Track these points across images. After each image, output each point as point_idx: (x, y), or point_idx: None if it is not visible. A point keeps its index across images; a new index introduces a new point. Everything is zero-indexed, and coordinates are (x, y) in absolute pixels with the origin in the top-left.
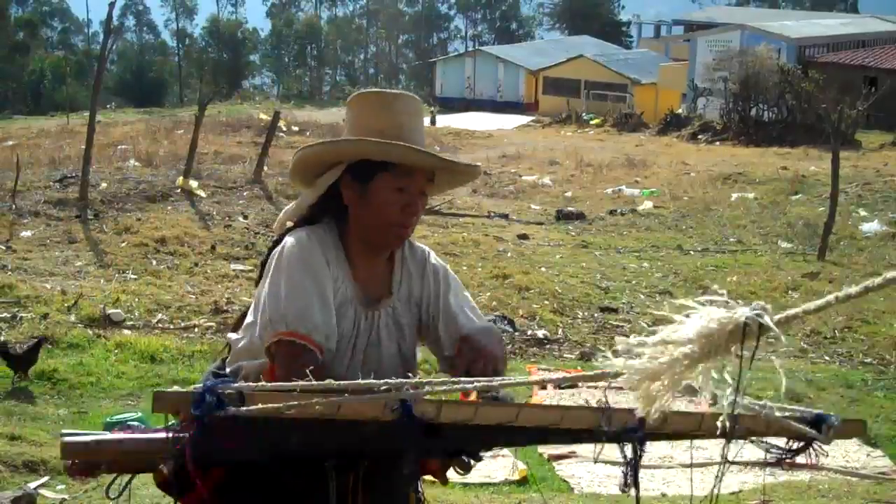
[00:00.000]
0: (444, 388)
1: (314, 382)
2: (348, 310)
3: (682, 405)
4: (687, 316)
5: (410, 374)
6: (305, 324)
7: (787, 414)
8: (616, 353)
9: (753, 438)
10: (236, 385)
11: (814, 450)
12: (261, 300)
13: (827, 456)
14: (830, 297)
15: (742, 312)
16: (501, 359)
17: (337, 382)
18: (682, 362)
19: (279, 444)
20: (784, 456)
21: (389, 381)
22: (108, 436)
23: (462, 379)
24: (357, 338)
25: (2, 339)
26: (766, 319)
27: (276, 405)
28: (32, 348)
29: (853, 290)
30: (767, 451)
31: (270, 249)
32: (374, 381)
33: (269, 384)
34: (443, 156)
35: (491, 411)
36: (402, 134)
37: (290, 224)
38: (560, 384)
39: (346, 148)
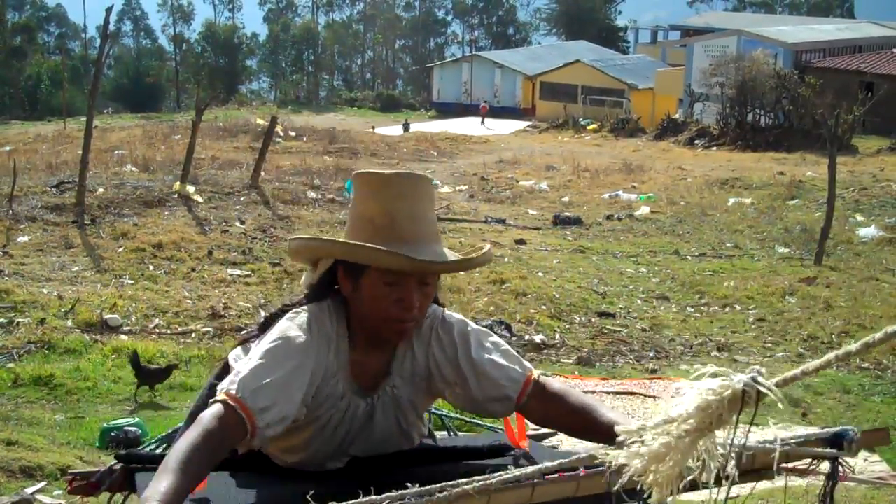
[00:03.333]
0: (444, 494)
1: None
2: (337, 402)
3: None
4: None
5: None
6: (258, 400)
7: (802, 439)
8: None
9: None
10: None
11: (841, 466)
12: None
13: (854, 472)
14: (830, 356)
15: (739, 380)
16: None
17: None
18: (685, 438)
19: None
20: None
21: (391, 494)
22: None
23: (461, 481)
24: (353, 424)
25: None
26: (763, 383)
27: None
28: (165, 370)
29: (853, 347)
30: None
31: (280, 311)
32: (375, 496)
33: None
34: (423, 258)
35: (504, 497)
36: (395, 224)
37: (306, 291)
38: (565, 471)
39: (321, 247)
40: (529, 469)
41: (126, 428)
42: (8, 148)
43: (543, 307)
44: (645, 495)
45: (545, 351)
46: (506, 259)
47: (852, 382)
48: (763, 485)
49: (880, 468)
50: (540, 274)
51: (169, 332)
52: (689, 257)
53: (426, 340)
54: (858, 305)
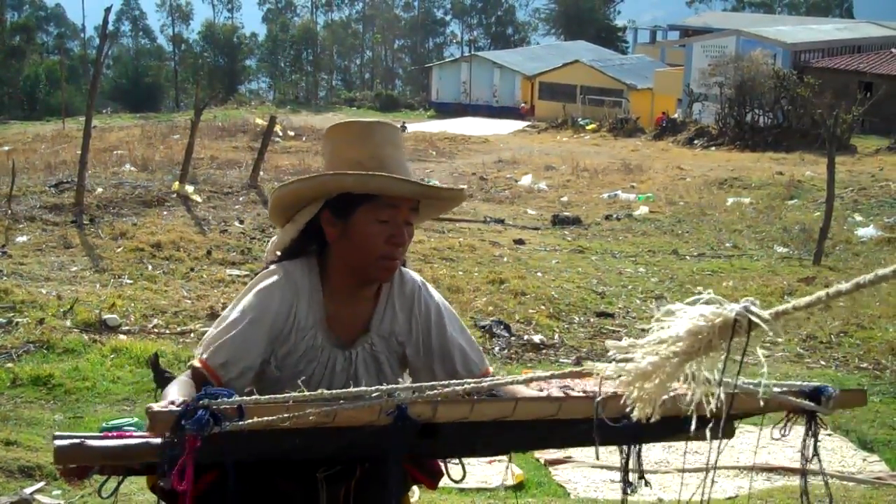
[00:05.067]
0: (436, 391)
1: (307, 393)
2: (317, 355)
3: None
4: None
5: None
6: (217, 358)
7: (784, 389)
8: (609, 358)
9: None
10: (234, 399)
11: (815, 422)
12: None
13: (826, 428)
14: (821, 293)
15: (731, 308)
16: None
17: (330, 392)
18: (672, 360)
19: (273, 447)
20: (785, 430)
21: (381, 387)
22: (101, 443)
23: (452, 381)
24: (332, 380)
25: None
26: (757, 312)
27: (270, 418)
28: None
29: (843, 286)
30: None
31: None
32: (366, 388)
33: (263, 397)
34: (424, 182)
35: (487, 407)
36: (383, 164)
37: (277, 253)
38: (549, 380)
39: (324, 182)
40: (522, 377)
41: (125, 427)
42: (7, 148)
43: (542, 307)
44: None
45: (544, 351)
46: (504, 259)
47: (851, 382)
48: (762, 485)
49: (879, 468)
50: (539, 274)
51: (168, 331)
52: (687, 257)
53: (409, 304)
54: (857, 305)
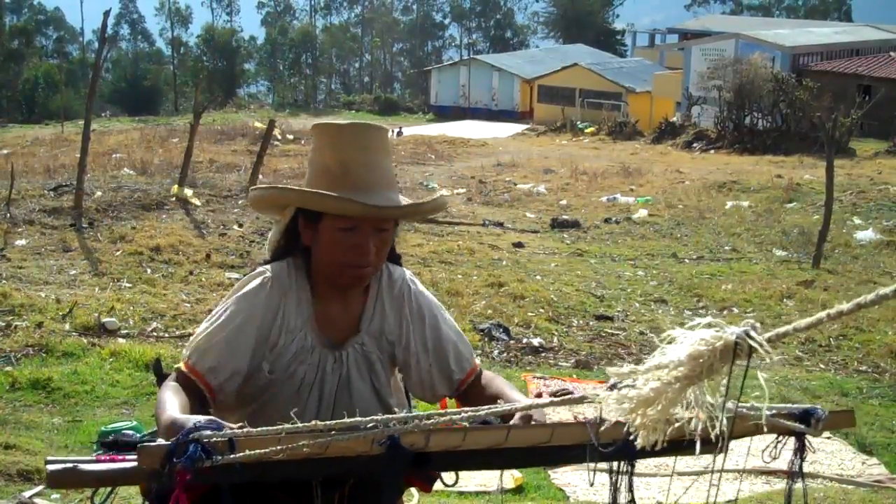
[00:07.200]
0: (431, 421)
1: (300, 425)
2: (308, 356)
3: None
4: (672, 340)
5: (394, 410)
6: (205, 362)
7: (774, 412)
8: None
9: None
10: (225, 433)
11: (804, 445)
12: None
13: (814, 451)
14: (822, 315)
15: (732, 332)
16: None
17: (323, 423)
18: (674, 385)
19: (264, 474)
20: (775, 453)
21: (375, 417)
22: (93, 467)
23: (449, 411)
24: (324, 382)
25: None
26: (756, 338)
27: (263, 451)
28: None
29: (845, 307)
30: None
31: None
32: (360, 419)
33: (255, 430)
34: (376, 203)
35: (480, 436)
36: (349, 171)
37: (267, 256)
38: (548, 407)
39: (275, 195)
40: (520, 403)
41: (124, 431)
42: (6, 151)
43: (541, 310)
44: (626, 447)
45: (543, 354)
46: (503, 262)
47: (850, 385)
48: (761, 488)
49: (878, 471)
50: (538, 277)
51: (167, 335)
52: (686, 260)
53: (399, 303)
54: None
